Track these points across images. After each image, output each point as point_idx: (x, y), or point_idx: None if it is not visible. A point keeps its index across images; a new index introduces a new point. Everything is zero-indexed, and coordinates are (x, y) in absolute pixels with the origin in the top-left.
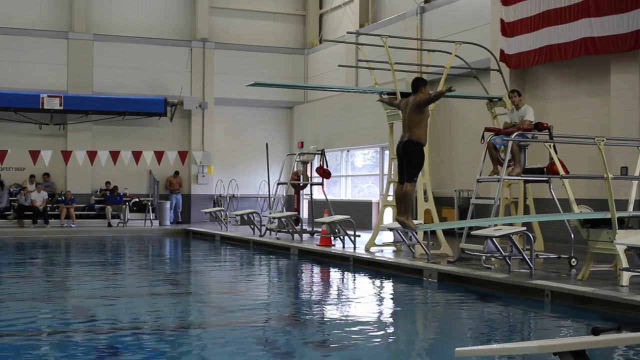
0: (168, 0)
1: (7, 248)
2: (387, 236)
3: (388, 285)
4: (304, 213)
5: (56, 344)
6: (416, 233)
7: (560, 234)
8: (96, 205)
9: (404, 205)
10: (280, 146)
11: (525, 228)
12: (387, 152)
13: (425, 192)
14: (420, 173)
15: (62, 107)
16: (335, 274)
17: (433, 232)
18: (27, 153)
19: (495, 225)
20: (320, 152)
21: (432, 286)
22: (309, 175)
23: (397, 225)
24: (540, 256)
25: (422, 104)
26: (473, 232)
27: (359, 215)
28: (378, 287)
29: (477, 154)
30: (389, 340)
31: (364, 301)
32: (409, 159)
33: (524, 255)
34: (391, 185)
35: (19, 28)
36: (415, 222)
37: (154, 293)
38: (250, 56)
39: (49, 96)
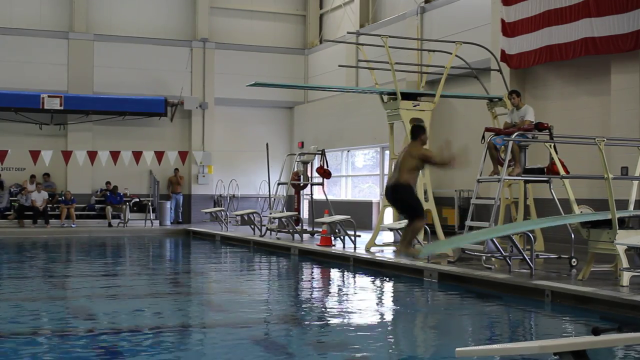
0: (168, 0)
1: (8, 248)
2: (388, 236)
3: (388, 286)
4: (304, 213)
5: (56, 344)
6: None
7: (561, 234)
8: (96, 205)
9: (409, 238)
10: (280, 146)
11: None
12: (387, 152)
13: (425, 192)
14: (422, 174)
15: (62, 107)
16: (335, 274)
17: (433, 232)
18: (27, 153)
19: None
20: (320, 152)
21: (432, 286)
22: (310, 175)
23: (397, 225)
24: (541, 256)
25: (419, 158)
26: (473, 233)
27: (359, 215)
28: (378, 287)
29: (478, 154)
30: (389, 340)
31: (364, 301)
32: (404, 203)
33: (525, 255)
34: None
35: (19, 28)
36: (417, 247)
37: (154, 293)
38: (250, 56)
39: (49, 96)
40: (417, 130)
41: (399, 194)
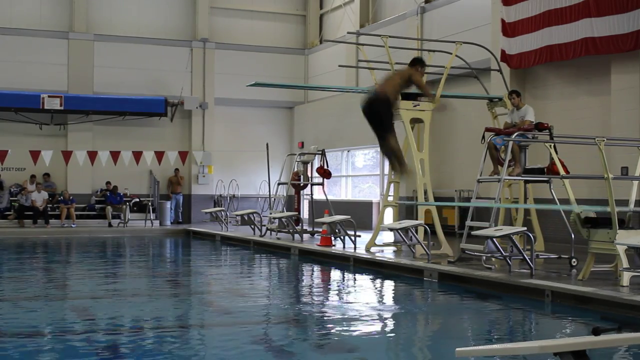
0: (168, 0)
1: (8, 248)
2: (388, 236)
3: (388, 286)
4: (305, 213)
5: (56, 344)
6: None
7: (561, 234)
8: (96, 206)
9: (399, 161)
10: (280, 146)
11: (525, 228)
12: None
13: (425, 192)
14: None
15: (62, 107)
16: (335, 274)
17: (434, 233)
18: (27, 153)
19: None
20: (320, 152)
21: (432, 286)
22: (310, 175)
23: (397, 225)
24: (541, 256)
25: (406, 77)
26: (473, 232)
27: (359, 215)
28: (378, 287)
29: (477, 154)
30: (390, 340)
31: (364, 301)
32: (378, 116)
33: (525, 255)
34: (392, 186)
35: (19, 28)
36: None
37: (154, 293)
38: (250, 56)
39: (49, 96)
40: (416, 60)
41: (376, 107)
